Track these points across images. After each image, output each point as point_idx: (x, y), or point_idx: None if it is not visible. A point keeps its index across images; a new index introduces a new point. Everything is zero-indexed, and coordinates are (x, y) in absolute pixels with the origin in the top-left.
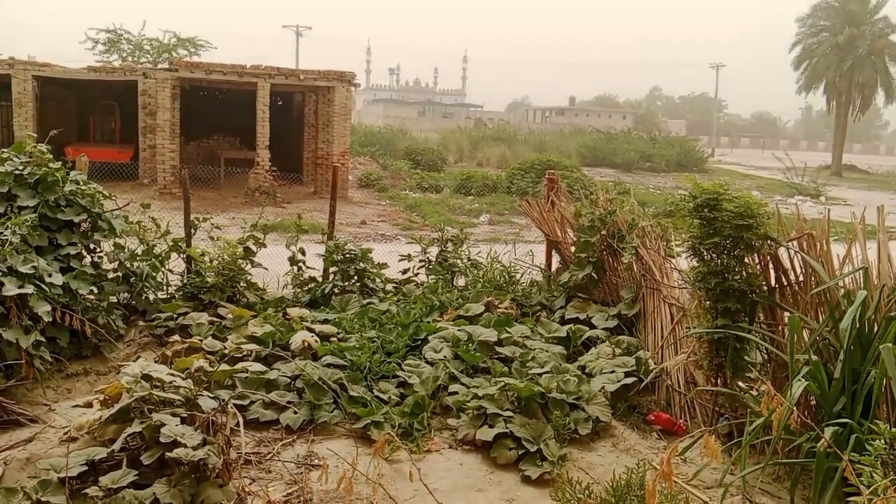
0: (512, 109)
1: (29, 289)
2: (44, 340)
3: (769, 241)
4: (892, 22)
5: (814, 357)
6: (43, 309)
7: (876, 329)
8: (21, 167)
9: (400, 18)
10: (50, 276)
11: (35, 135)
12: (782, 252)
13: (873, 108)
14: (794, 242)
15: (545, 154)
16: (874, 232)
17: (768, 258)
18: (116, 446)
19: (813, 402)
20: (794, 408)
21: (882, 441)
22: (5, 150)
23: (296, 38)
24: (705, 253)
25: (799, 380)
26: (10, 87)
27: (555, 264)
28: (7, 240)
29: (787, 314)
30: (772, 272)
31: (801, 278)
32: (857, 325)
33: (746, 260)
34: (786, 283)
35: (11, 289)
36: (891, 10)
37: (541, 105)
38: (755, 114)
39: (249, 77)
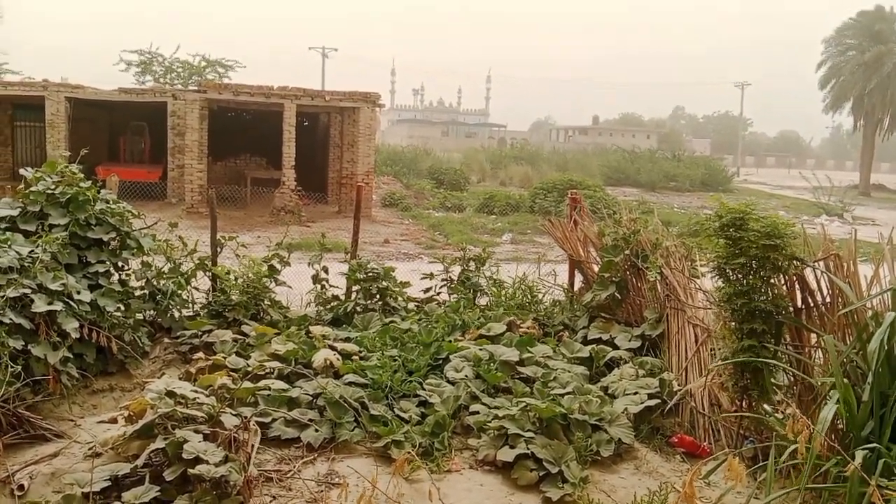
0: (535, 129)
1: (58, 306)
2: (71, 356)
3: (796, 262)
4: None
5: (843, 380)
6: (71, 326)
7: None
8: (53, 186)
9: (424, 39)
10: (79, 293)
11: (67, 154)
12: (809, 273)
13: None
14: (821, 263)
15: (568, 173)
16: None
17: (795, 279)
18: (140, 462)
19: (840, 426)
20: (821, 432)
21: None
22: (38, 169)
23: (322, 60)
24: (731, 273)
25: (830, 403)
26: (44, 108)
27: (577, 284)
28: (38, 257)
29: (813, 336)
30: (798, 293)
31: (828, 299)
32: (886, 348)
33: (773, 280)
34: (812, 305)
35: (41, 305)
36: None
37: (564, 124)
38: (781, 133)
39: (276, 98)
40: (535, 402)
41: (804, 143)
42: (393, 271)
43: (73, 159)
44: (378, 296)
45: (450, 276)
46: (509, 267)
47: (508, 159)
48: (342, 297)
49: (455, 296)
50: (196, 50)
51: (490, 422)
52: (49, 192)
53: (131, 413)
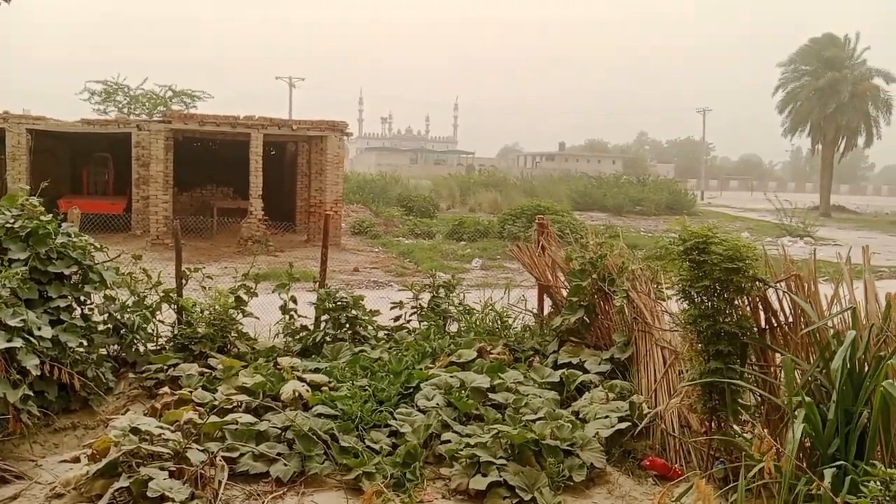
0: (503, 155)
1: (18, 342)
2: (32, 394)
3: (758, 283)
4: (871, 66)
5: (807, 399)
6: (31, 363)
7: (866, 369)
8: (12, 220)
9: (392, 69)
10: (39, 329)
11: (28, 187)
12: (771, 293)
13: (858, 150)
14: (783, 284)
15: (536, 199)
16: (861, 272)
17: (758, 300)
18: (103, 502)
19: (808, 444)
20: (792, 452)
21: (876, 482)
22: None
23: (289, 89)
24: (696, 296)
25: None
26: (3, 141)
27: (546, 308)
28: None
29: (778, 355)
30: (762, 314)
31: (790, 319)
32: (848, 366)
33: (736, 302)
34: (776, 325)
35: (0, 342)
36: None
37: (531, 151)
38: (743, 156)
39: (242, 128)
40: (507, 428)
41: (768, 165)
42: (362, 300)
43: (34, 192)
44: (347, 325)
45: (419, 304)
46: (479, 293)
47: (477, 186)
48: (311, 327)
49: (425, 323)
50: (165, 81)
51: (462, 450)
52: (8, 225)
53: (94, 451)
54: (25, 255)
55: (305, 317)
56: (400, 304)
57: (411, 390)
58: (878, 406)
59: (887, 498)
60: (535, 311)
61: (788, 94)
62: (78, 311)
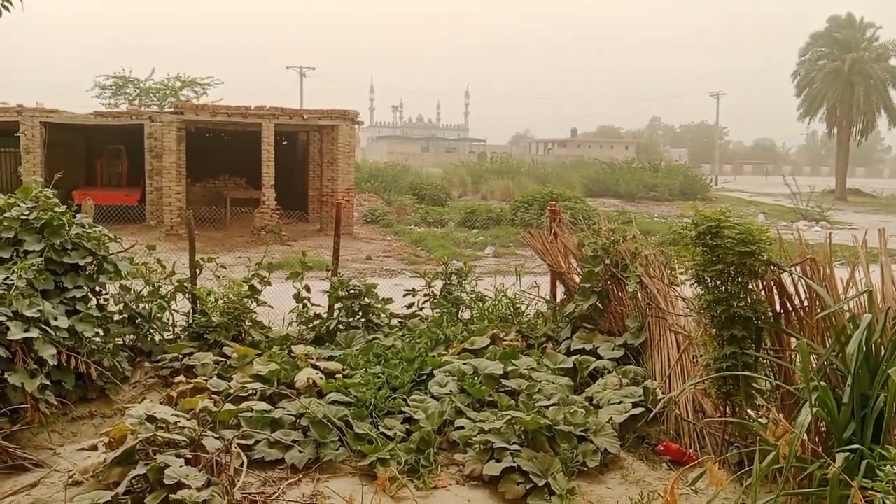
0: (515, 142)
1: (34, 332)
2: (49, 384)
3: (773, 267)
4: (888, 47)
5: (822, 383)
6: (48, 352)
7: (883, 352)
8: (27, 212)
9: (403, 57)
10: (55, 319)
11: (42, 179)
12: (786, 278)
13: (875, 133)
14: (798, 268)
15: (548, 186)
16: (877, 255)
17: (772, 284)
18: (121, 489)
19: (823, 429)
20: (805, 435)
21: (893, 466)
22: (12, 195)
23: (300, 79)
24: (709, 280)
25: (806, 407)
26: (17, 133)
27: (559, 295)
28: (13, 284)
29: (793, 340)
30: (776, 298)
31: (805, 303)
32: (864, 349)
33: (751, 286)
34: (791, 309)
35: (17, 333)
36: (886, 34)
37: (543, 137)
38: (757, 140)
39: (254, 118)
40: (520, 414)
41: (782, 149)
42: (375, 288)
43: (49, 184)
44: (361, 313)
45: (432, 291)
46: (491, 280)
47: (489, 173)
48: (324, 316)
49: (438, 311)
50: (173, 72)
51: (475, 436)
52: (23, 217)
53: (111, 440)
54: (41, 246)
55: (319, 305)
56: (413, 292)
57: (424, 377)
58: (894, 390)
59: None
60: (547, 297)
61: (804, 78)
62: (94, 302)
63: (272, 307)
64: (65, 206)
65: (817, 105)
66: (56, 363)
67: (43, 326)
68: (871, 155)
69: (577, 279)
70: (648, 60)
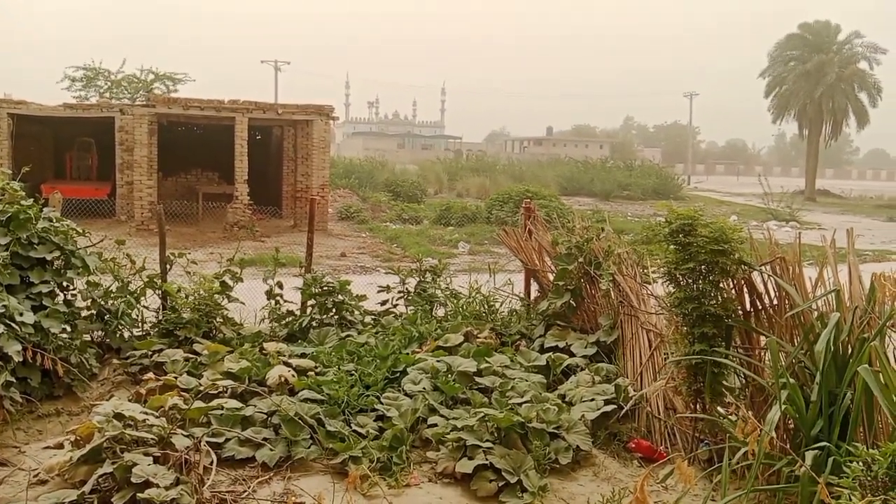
0: (490, 140)
1: None
2: (14, 381)
3: (743, 266)
4: (858, 50)
5: (791, 381)
6: (13, 349)
7: (850, 351)
8: None
9: (378, 53)
10: (21, 314)
11: (9, 172)
12: (756, 276)
13: (844, 135)
14: (768, 266)
15: (524, 184)
16: (845, 255)
17: (743, 282)
18: (87, 488)
19: (791, 426)
20: (773, 432)
21: (859, 463)
22: None
23: (274, 73)
24: (681, 278)
25: (776, 405)
26: None
27: (533, 293)
28: None
29: (762, 338)
30: (746, 296)
31: (775, 302)
32: (832, 348)
33: (722, 285)
34: (761, 307)
35: None
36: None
37: (519, 135)
38: (729, 141)
39: (227, 112)
40: (493, 412)
41: (754, 150)
42: (349, 285)
43: (16, 177)
44: (334, 310)
45: (406, 289)
46: (466, 277)
47: (465, 171)
48: (297, 313)
49: (412, 308)
50: (146, 66)
51: (448, 433)
52: None
53: (78, 437)
54: (6, 240)
55: (292, 302)
56: (387, 289)
57: (398, 375)
58: (861, 388)
59: (869, 479)
60: (521, 295)
61: (774, 79)
62: (61, 297)
63: (244, 304)
64: (32, 200)
65: (788, 106)
66: (21, 359)
67: (8, 322)
68: (839, 157)
69: (551, 277)
70: (623, 60)
